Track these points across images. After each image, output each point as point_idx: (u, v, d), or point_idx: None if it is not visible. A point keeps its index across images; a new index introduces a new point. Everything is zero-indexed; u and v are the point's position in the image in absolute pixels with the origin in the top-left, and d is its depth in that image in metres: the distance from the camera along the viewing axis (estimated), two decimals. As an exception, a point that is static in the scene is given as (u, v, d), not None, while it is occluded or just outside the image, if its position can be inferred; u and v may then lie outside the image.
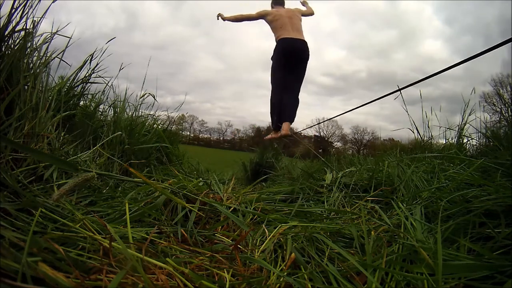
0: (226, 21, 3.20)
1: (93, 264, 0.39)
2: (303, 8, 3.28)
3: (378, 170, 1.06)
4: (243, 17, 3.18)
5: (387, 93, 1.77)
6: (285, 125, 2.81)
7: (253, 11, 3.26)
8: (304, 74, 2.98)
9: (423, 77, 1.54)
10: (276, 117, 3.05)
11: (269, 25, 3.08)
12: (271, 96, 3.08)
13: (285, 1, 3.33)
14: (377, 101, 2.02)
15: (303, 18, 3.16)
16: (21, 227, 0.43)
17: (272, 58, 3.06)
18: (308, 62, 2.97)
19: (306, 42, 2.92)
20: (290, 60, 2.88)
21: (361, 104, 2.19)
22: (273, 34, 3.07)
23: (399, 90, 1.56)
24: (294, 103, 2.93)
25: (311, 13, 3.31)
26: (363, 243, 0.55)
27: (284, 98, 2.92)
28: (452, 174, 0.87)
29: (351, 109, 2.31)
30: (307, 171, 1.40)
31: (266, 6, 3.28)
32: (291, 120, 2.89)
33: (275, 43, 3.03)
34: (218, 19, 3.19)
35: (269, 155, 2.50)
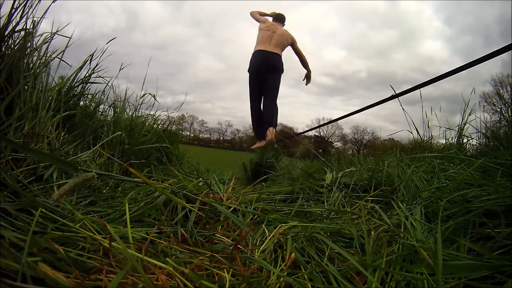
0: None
1: (93, 264, 0.39)
2: (299, 46, 3.36)
3: (378, 170, 1.06)
4: (253, 14, 3.41)
5: (387, 97, 1.77)
6: (269, 132, 2.90)
7: (252, 11, 3.37)
8: (277, 83, 3.12)
9: (423, 82, 1.54)
10: (257, 128, 3.21)
11: (258, 31, 3.26)
12: (250, 107, 3.24)
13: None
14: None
15: (290, 48, 3.28)
16: (21, 227, 0.43)
17: (248, 70, 3.22)
18: (282, 74, 3.15)
19: (278, 56, 3.10)
20: (261, 72, 3.07)
21: (362, 107, 2.19)
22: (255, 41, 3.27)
23: (397, 96, 1.57)
24: (273, 110, 3.06)
25: (301, 55, 3.40)
26: (363, 243, 0.55)
27: (264, 107, 3.10)
28: (452, 174, 0.87)
29: (353, 111, 2.31)
30: (307, 171, 1.39)
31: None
32: (275, 125, 3.02)
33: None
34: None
35: (269, 155, 2.50)
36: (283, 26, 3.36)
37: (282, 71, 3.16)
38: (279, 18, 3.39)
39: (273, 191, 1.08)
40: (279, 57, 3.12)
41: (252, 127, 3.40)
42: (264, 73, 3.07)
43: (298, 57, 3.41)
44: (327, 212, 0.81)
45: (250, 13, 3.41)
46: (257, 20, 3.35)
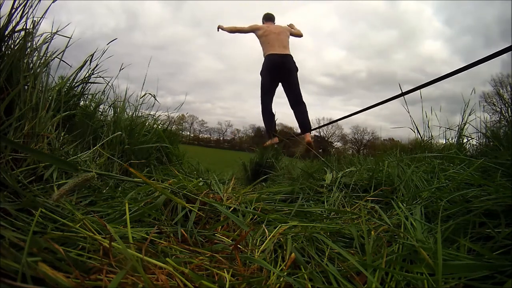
0: (223, 31, 3.49)
1: (93, 264, 0.39)
2: (294, 29, 3.50)
3: (378, 170, 1.06)
4: (236, 29, 3.48)
5: (391, 97, 1.77)
6: (307, 135, 3.08)
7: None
8: (296, 82, 3.25)
9: (427, 82, 1.54)
10: (269, 126, 3.31)
11: (259, 39, 3.37)
12: (261, 105, 3.35)
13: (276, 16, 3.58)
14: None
15: (291, 36, 3.41)
16: (21, 227, 0.43)
17: (261, 73, 3.34)
18: (298, 72, 3.28)
19: (291, 56, 3.23)
20: (278, 74, 3.20)
21: (364, 108, 2.19)
22: (261, 48, 3.34)
23: (403, 95, 1.57)
24: (307, 112, 3.20)
25: (299, 35, 3.56)
26: (363, 243, 0.55)
27: (299, 112, 3.20)
28: (452, 174, 0.87)
29: (355, 112, 2.31)
30: (307, 171, 1.39)
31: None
32: (309, 130, 3.15)
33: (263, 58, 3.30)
34: (218, 30, 3.49)
35: (269, 155, 2.50)
36: (275, 23, 3.48)
37: (297, 70, 3.28)
38: (270, 18, 3.49)
39: (273, 191, 1.08)
40: (291, 57, 3.24)
41: (264, 126, 3.48)
42: (282, 76, 3.20)
43: (297, 36, 3.53)
44: (327, 212, 0.81)
45: (229, 31, 3.47)
46: (249, 31, 3.42)
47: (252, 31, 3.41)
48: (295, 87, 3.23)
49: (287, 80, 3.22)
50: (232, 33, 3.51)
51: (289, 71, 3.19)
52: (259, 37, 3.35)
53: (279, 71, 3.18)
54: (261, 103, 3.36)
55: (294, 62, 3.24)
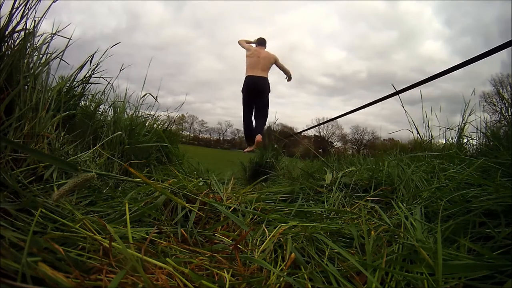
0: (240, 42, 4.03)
1: (93, 264, 0.39)
2: (283, 63, 3.91)
3: (378, 170, 1.06)
4: (241, 42, 3.96)
5: (387, 95, 1.77)
6: (257, 137, 3.54)
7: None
8: (266, 102, 3.81)
9: (422, 80, 1.54)
10: (247, 136, 3.95)
11: (246, 58, 3.80)
12: (243, 121, 3.95)
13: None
14: (377, 101, 2.03)
15: (275, 66, 3.88)
16: (21, 227, 0.43)
17: (242, 91, 3.85)
18: (269, 93, 3.84)
19: (265, 78, 3.74)
20: (252, 94, 3.74)
21: (362, 106, 2.19)
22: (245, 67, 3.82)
23: (397, 93, 1.57)
24: (261, 125, 3.77)
25: (285, 71, 3.96)
26: (363, 243, 0.55)
27: (257, 125, 3.78)
28: (452, 174, 0.87)
29: (352, 110, 2.32)
30: (307, 171, 1.39)
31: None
32: (261, 132, 3.62)
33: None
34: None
35: (269, 155, 2.50)
36: (265, 48, 3.89)
37: (269, 90, 3.79)
38: (261, 42, 3.90)
39: (273, 191, 1.08)
40: (266, 79, 3.73)
41: (244, 135, 4.10)
42: (256, 95, 3.74)
43: (282, 70, 3.96)
44: (327, 212, 0.81)
45: (238, 42, 3.97)
46: (244, 48, 3.88)
47: (245, 49, 3.87)
48: (265, 108, 3.81)
49: (260, 98, 3.78)
50: (239, 44, 4.00)
51: (261, 91, 3.74)
52: (246, 56, 3.79)
53: (253, 91, 3.72)
54: (243, 118, 3.91)
55: (268, 84, 3.75)
